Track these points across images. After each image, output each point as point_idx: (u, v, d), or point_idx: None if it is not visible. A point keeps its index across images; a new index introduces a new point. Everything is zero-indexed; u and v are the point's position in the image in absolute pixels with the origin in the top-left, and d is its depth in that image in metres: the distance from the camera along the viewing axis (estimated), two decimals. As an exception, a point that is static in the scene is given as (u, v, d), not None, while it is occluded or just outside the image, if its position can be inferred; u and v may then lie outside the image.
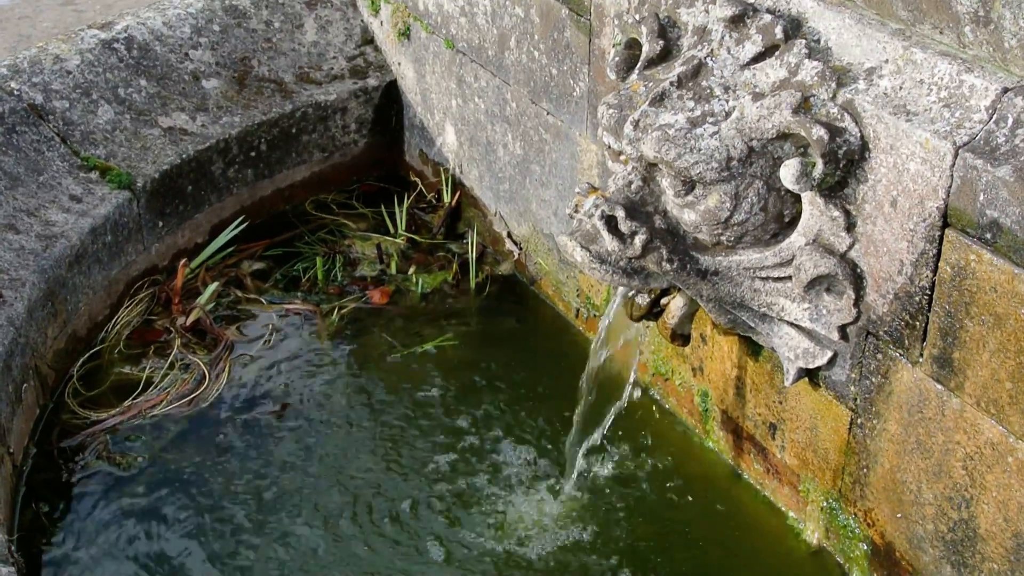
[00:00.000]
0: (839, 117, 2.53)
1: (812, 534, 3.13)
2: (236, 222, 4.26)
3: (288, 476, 3.40)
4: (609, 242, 2.72)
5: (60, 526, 3.22)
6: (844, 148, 2.52)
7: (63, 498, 3.30)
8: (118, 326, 3.86)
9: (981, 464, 2.53)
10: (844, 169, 2.55)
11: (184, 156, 4.05)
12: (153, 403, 3.59)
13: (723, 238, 2.74)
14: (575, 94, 3.55)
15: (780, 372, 2.98)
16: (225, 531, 3.23)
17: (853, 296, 2.67)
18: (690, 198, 2.70)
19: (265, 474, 3.40)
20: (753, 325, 2.90)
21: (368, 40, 4.63)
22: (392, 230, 4.37)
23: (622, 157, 2.83)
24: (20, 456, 3.35)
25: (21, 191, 3.70)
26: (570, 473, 3.36)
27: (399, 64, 4.52)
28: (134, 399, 3.60)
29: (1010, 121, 2.31)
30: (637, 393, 3.38)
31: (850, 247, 2.64)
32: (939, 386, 2.57)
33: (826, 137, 2.48)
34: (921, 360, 2.60)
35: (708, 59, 2.74)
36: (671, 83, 2.71)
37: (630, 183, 2.77)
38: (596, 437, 3.34)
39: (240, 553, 3.17)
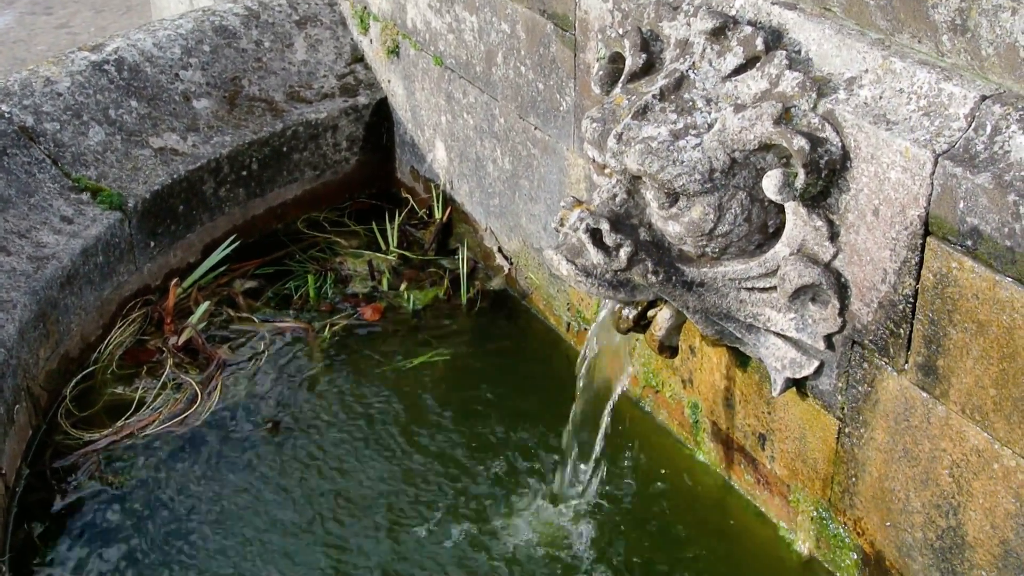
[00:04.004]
0: (820, 127, 2.54)
1: (803, 544, 3.13)
2: (228, 241, 4.27)
3: (281, 494, 3.40)
4: (594, 255, 2.73)
5: (52, 546, 3.23)
6: (826, 158, 2.53)
7: (55, 518, 3.30)
8: (111, 346, 3.86)
9: (967, 471, 2.53)
10: (826, 179, 2.56)
11: (175, 176, 4.06)
12: (146, 423, 3.60)
13: (708, 249, 2.75)
14: (562, 108, 3.56)
15: (768, 383, 2.98)
16: (219, 551, 3.23)
17: (838, 305, 2.68)
18: (674, 210, 2.71)
19: (258, 492, 3.40)
20: (740, 336, 2.91)
21: (358, 58, 4.65)
22: (384, 247, 4.38)
23: (606, 170, 2.84)
24: (12, 477, 3.35)
25: (12, 213, 3.71)
26: (561, 487, 3.36)
27: (389, 81, 4.54)
28: (127, 419, 3.61)
29: (988, 129, 2.32)
30: (626, 406, 3.38)
31: (834, 256, 2.65)
32: (924, 394, 2.58)
33: (807, 147, 2.49)
34: (906, 368, 2.60)
35: (690, 72, 2.75)
36: (654, 96, 2.72)
37: (614, 196, 2.78)
38: (587, 451, 3.34)
39: (234, 572, 3.17)
